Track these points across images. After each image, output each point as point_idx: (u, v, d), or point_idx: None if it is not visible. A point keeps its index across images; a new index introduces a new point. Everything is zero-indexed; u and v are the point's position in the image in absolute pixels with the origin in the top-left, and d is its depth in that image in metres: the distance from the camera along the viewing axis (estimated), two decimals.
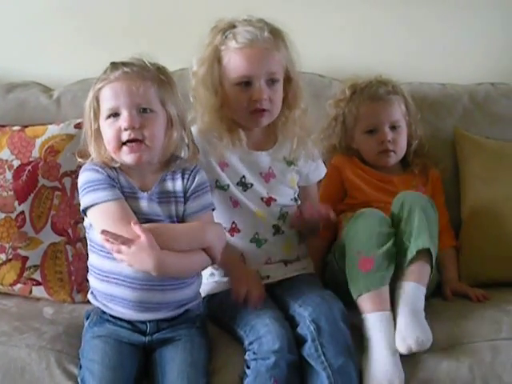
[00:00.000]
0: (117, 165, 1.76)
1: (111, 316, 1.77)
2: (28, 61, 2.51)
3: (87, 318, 1.82)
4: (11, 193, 2.05)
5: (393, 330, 1.81)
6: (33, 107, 2.34)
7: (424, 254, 1.87)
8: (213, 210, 1.85)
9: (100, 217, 1.73)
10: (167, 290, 1.75)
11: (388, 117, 2.23)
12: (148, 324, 1.76)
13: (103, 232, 1.67)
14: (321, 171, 2.12)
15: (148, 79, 1.74)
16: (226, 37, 1.92)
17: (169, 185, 1.79)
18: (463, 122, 2.38)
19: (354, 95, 2.26)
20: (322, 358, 1.73)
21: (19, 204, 2.05)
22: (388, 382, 1.74)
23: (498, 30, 2.59)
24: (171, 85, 1.80)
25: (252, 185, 1.98)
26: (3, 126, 2.18)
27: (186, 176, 1.80)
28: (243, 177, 1.97)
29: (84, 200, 1.75)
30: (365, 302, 1.86)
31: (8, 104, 2.34)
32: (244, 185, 1.97)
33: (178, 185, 1.79)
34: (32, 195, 2.06)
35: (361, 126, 2.25)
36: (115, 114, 1.73)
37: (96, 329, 1.77)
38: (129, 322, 1.77)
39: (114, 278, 1.74)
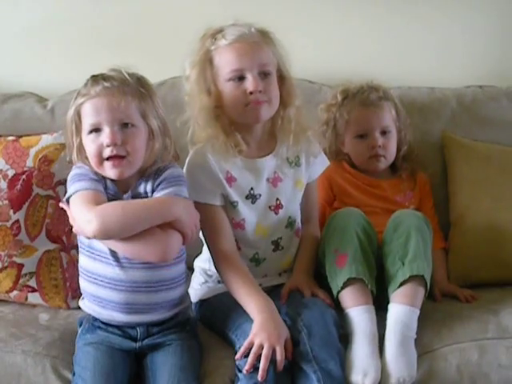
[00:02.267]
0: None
1: (102, 323, 1.80)
2: (23, 71, 2.53)
3: (80, 325, 1.85)
4: (6, 202, 2.07)
5: (373, 323, 1.82)
6: (27, 117, 2.35)
7: (418, 278, 1.85)
8: None
9: (77, 202, 1.74)
10: (152, 292, 1.77)
11: (379, 122, 2.25)
12: (138, 329, 1.78)
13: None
14: (323, 163, 2.10)
15: (128, 94, 1.74)
16: (215, 38, 1.92)
17: (142, 187, 1.79)
18: (451, 125, 2.40)
19: (346, 100, 2.27)
20: (313, 361, 1.73)
21: (14, 213, 2.07)
22: (363, 372, 1.74)
23: (486, 34, 2.60)
24: (151, 96, 1.80)
25: (260, 195, 1.96)
26: None
27: (157, 174, 1.79)
28: (251, 189, 1.95)
29: (69, 190, 1.77)
30: (344, 297, 1.87)
31: (3, 114, 2.35)
32: (253, 197, 1.96)
33: (149, 185, 1.79)
34: (27, 204, 2.08)
35: (351, 131, 2.26)
36: (97, 130, 1.74)
37: (88, 336, 1.80)
38: (119, 328, 1.79)
39: (101, 280, 1.77)
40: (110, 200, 1.75)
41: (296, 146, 2.00)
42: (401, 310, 1.83)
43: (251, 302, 1.81)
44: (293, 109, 1.98)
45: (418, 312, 1.84)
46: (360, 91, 2.27)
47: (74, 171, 1.81)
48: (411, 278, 1.84)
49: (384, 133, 2.25)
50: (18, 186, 2.09)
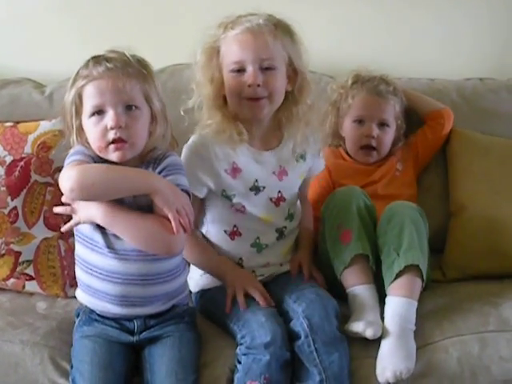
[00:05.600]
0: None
1: (99, 315, 1.78)
2: (20, 57, 2.51)
3: (77, 316, 1.83)
4: (4, 188, 2.06)
5: (375, 301, 1.85)
6: (25, 103, 2.33)
7: (414, 268, 1.85)
8: (188, 195, 1.76)
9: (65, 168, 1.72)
10: (149, 285, 1.75)
11: (379, 113, 2.25)
12: (135, 322, 1.76)
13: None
14: (321, 165, 2.11)
15: (133, 76, 1.71)
16: (226, 28, 1.90)
17: None
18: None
19: (355, 84, 2.29)
20: (314, 354, 1.74)
21: (12, 200, 2.06)
22: (365, 324, 1.78)
23: (486, 26, 2.60)
24: (153, 79, 1.77)
25: (264, 187, 1.95)
26: None
27: (156, 163, 1.77)
28: (256, 180, 1.94)
29: (65, 163, 1.75)
30: (348, 275, 1.89)
31: (0, 100, 2.33)
32: (257, 189, 1.94)
33: None
34: (25, 191, 2.07)
35: (351, 115, 2.27)
36: (99, 112, 1.70)
37: (85, 328, 1.78)
38: (116, 321, 1.77)
39: (96, 271, 1.74)
40: None
41: (303, 143, 1.98)
42: (398, 303, 1.83)
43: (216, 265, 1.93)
44: (304, 106, 1.95)
45: (415, 303, 1.84)
46: (371, 80, 2.29)
47: (73, 149, 1.77)
48: (407, 269, 1.85)
49: (382, 125, 2.26)
50: (16, 173, 2.07)
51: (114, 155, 1.71)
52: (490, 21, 2.61)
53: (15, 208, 2.06)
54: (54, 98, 2.34)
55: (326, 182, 2.25)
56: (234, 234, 1.96)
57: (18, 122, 2.16)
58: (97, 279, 1.74)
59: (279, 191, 1.97)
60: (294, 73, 1.93)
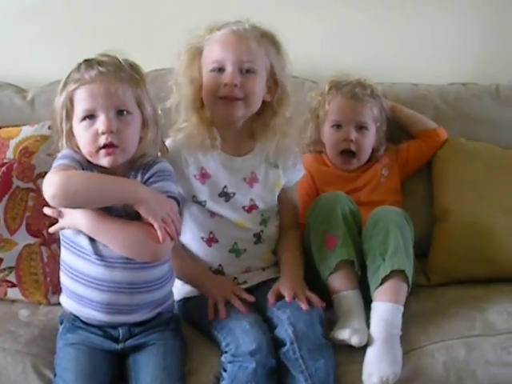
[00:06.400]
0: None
1: (83, 322, 1.76)
2: (1, 62, 2.48)
3: (61, 323, 1.81)
4: None
5: (360, 308, 1.85)
6: (7, 108, 2.32)
7: (399, 273, 1.85)
8: (177, 201, 1.74)
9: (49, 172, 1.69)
10: (135, 293, 1.73)
11: (356, 116, 2.25)
12: (120, 330, 1.74)
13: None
14: (300, 172, 2.08)
15: (125, 80, 1.70)
16: (212, 30, 1.91)
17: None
18: (435, 121, 2.38)
19: (332, 90, 2.29)
20: (300, 361, 1.73)
21: None
22: (351, 331, 1.77)
23: (469, 31, 2.62)
24: (145, 83, 1.76)
25: (234, 194, 1.94)
26: None
27: (146, 169, 1.75)
28: (225, 186, 1.93)
29: (52, 166, 1.72)
30: (334, 281, 1.89)
31: None
32: (226, 195, 1.94)
33: (138, 178, 1.75)
34: (6, 197, 2.04)
35: (329, 120, 2.28)
36: (91, 116, 1.69)
37: (69, 335, 1.76)
38: (101, 328, 1.75)
39: (82, 278, 1.72)
40: None
41: (276, 153, 1.98)
42: (384, 308, 1.83)
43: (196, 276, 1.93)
44: (281, 119, 1.95)
45: (401, 308, 1.84)
46: (347, 85, 2.28)
47: (59, 154, 1.75)
48: (392, 274, 1.84)
49: (360, 128, 2.26)
50: None
51: (104, 160, 1.70)
52: (473, 26, 2.63)
53: None
54: (35, 103, 2.33)
55: (310, 189, 2.25)
56: (210, 240, 1.95)
57: None
58: (82, 286, 1.72)
59: (251, 199, 1.96)
60: (274, 84, 1.93)
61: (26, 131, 2.12)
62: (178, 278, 1.91)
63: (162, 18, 2.49)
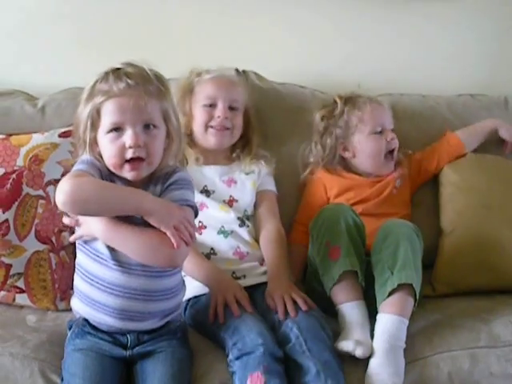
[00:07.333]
0: None
1: (92, 328, 1.76)
2: (13, 69, 2.50)
3: (70, 329, 1.81)
4: None
5: (364, 318, 1.86)
6: (17, 116, 2.32)
7: (407, 287, 1.85)
8: (194, 210, 1.75)
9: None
10: (150, 301, 1.73)
11: (388, 118, 2.30)
12: (129, 337, 1.75)
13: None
14: (272, 186, 2.26)
15: (153, 94, 1.69)
16: (200, 74, 2.25)
17: (150, 190, 1.74)
18: (443, 133, 2.39)
19: (349, 102, 2.29)
20: (307, 353, 1.75)
21: (3, 212, 2.04)
22: (355, 342, 1.78)
23: (478, 43, 2.63)
24: (171, 95, 1.76)
25: (214, 191, 2.17)
26: None
27: (166, 178, 1.75)
28: (205, 185, 2.17)
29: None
30: (338, 292, 1.90)
31: None
32: (207, 192, 2.16)
33: (158, 189, 1.75)
34: (16, 203, 2.06)
35: (366, 128, 2.26)
36: (118, 129, 1.68)
37: (78, 341, 1.76)
38: (109, 334, 1.75)
39: (97, 283, 1.72)
40: None
41: (252, 166, 2.24)
42: (388, 320, 1.83)
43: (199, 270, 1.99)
44: (254, 147, 2.27)
45: (406, 322, 1.84)
46: (359, 96, 2.30)
47: (79, 159, 1.74)
48: (400, 287, 1.84)
49: (392, 130, 2.29)
50: (8, 185, 2.06)
51: (129, 174, 1.70)
52: (482, 37, 2.64)
53: (6, 221, 2.05)
54: (46, 111, 2.33)
55: (322, 199, 2.27)
56: (200, 228, 2.10)
57: (10, 135, 2.15)
58: (97, 290, 1.72)
59: (230, 195, 2.18)
60: (247, 119, 2.27)
61: (37, 139, 2.13)
62: (187, 273, 1.95)
63: (168, 28, 2.53)
